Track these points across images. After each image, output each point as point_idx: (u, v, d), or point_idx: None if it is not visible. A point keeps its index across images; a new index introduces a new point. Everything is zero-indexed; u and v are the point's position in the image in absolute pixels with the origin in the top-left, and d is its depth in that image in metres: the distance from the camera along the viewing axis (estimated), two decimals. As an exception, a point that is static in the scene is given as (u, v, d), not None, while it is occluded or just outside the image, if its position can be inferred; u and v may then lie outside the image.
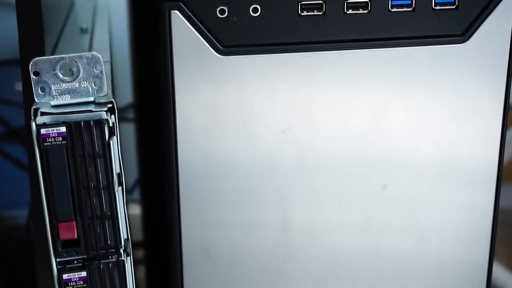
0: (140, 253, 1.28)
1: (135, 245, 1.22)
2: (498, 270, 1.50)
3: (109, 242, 0.63)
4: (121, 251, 0.64)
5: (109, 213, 0.62)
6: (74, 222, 0.61)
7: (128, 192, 1.41)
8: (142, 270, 1.35)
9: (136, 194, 1.42)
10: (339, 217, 0.72)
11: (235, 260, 0.72)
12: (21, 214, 1.46)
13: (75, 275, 0.63)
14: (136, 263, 1.19)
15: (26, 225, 1.40)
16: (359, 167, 0.71)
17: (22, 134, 1.38)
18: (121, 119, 1.24)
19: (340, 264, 0.73)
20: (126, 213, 0.66)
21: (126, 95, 1.36)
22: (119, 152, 0.62)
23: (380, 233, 0.73)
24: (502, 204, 0.76)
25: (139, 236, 1.27)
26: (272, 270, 0.72)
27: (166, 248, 0.75)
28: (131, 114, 1.38)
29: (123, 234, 0.64)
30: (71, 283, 0.63)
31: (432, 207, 0.73)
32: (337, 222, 0.72)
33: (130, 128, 1.35)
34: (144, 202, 1.20)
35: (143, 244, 1.26)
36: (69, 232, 0.61)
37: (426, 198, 0.73)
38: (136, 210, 1.33)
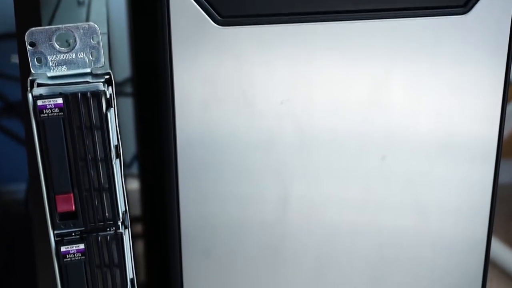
0: (139, 227, 1.28)
1: (134, 220, 1.22)
2: (497, 246, 1.51)
3: (107, 214, 0.63)
4: (119, 223, 0.63)
5: (106, 186, 0.61)
6: (72, 194, 0.61)
7: (127, 166, 1.41)
8: (140, 245, 1.35)
9: (135, 169, 1.42)
10: (338, 191, 0.72)
11: (233, 234, 0.72)
12: (20, 189, 1.46)
13: (73, 247, 0.63)
14: (134, 237, 1.19)
15: (25, 200, 1.40)
16: (359, 140, 0.70)
17: (19, 109, 1.38)
18: (119, 94, 1.23)
19: (339, 239, 0.73)
20: (124, 185, 0.65)
21: (124, 70, 1.35)
22: (117, 124, 0.61)
23: (379, 208, 0.73)
24: (501, 179, 0.76)
25: (137, 210, 1.26)
26: (270, 244, 0.72)
27: (164, 223, 0.75)
28: (129, 89, 1.38)
29: (121, 207, 0.63)
30: (69, 256, 0.63)
31: (431, 182, 0.73)
32: (336, 196, 0.72)
33: (128, 103, 1.34)
34: (142, 177, 1.20)
35: (142, 219, 1.26)
36: (67, 204, 0.61)
37: (425, 173, 0.73)
38: (134, 184, 1.33)
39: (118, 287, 0.66)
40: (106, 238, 0.63)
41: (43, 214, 0.63)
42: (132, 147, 1.36)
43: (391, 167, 0.72)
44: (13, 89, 1.36)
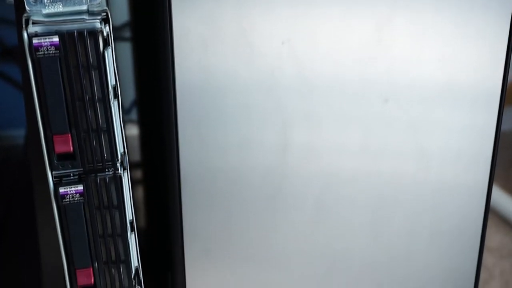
0: (138, 173, 1.28)
1: (133, 166, 1.22)
2: (496, 193, 1.51)
3: (105, 155, 0.62)
4: (118, 164, 0.63)
5: (104, 126, 0.61)
6: (69, 135, 0.60)
7: (126, 112, 1.40)
8: (140, 191, 1.35)
9: (134, 115, 1.41)
10: (339, 136, 0.71)
11: (233, 178, 0.71)
12: (19, 134, 1.45)
13: (71, 188, 0.63)
14: (134, 183, 1.19)
15: (24, 146, 1.40)
16: (361, 82, 0.69)
17: (16, 53, 1.36)
18: (117, 38, 1.21)
19: (339, 184, 0.73)
20: (123, 127, 0.64)
21: (122, 13, 1.33)
22: (115, 64, 0.60)
23: (380, 152, 0.72)
24: (503, 126, 0.75)
25: (136, 156, 1.26)
26: (270, 189, 0.72)
27: (164, 168, 0.75)
28: (127, 33, 1.36)
29: (120, 148, 0.63)
30: (68, 197, 0.63)
31: (433, 127, 0.72)
32: (337, 141, 0.71)
33: (126, 48, 1.32)
34: (142, 123, 1.20)
35: (141, 165, 1.25)
36: (65, 144, 0.60)
37: (427, 118, 0.72)
38: (133, 130, 1.33)
39: (118, 229, 0.66)
40: (105, 179, 0.63)
41: (42, 159, 0.63)
42: (131, 93, 1.35)
43: (393, 111, 0.71)
44: (9, 33, 1.34)
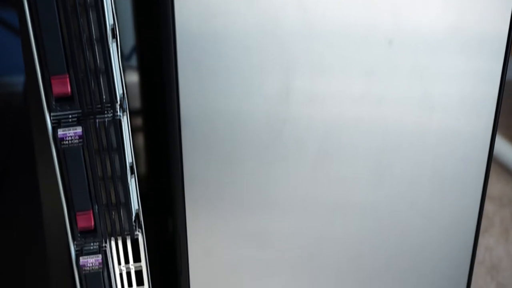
0: (139, 121, 1.27)
1: (133, 113, 1.21)
2: (498, 141, 1.51)
3: (104, 97, 0.61)
4: (117, 107, 0.62)
5: (103, 67, 0.59)
6: (67, 76, 0.59)
7: (126, 59, 1.38)
8: (140, 138, 1.34)
9: (134, 61, 1.39)
10: (342, 80, 0.70)
11: (233, 123, 0.70)
12: (18, 81, 1.44)
13: (70, 131, 0.62)
14: (134, 131, 1.18)
15: (23, 92, 1.39)
16: (366, 23, 0.68)
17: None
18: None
19: (342, 129, 0.72)
20: (121, 69, 0.63)
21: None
22: (113, 4, 0.59)
23: (383, 98, 0.71)
24: (509, 74, 0.74)
25: (137, 103, 1.25)
26: (271, 134, 0.71)
27: (164, 115, 0.74)
28: (126, -22, 1.33)
29: (119, 90, 0.62)
30: (66, 140, 0.62)
31: (437, 72, 0.71)
32: (340, 85, 0.70)
33: (126, -7, 1.30)
34: (142, 69, 1.18)
35: (142, 112, 1.25)
36: (62, 86, 0.59)
37: (431, 62, 0.71)
38: (133, 77, 1.31)
39: (117, 172, 0.65)
40: (104, 122, 0.62)
41: (41, 104, 0.62)
42: (131, 39, 1.33)
43: (397, 55, 0.70)
44: (7, -23, 1.32)
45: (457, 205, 0.77)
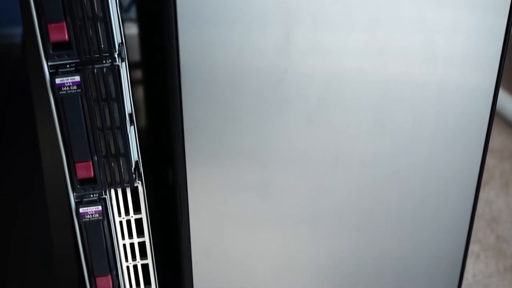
0: (138, 74, 1.26)
1: (133, 66, 1.20)
2: (500, 94, 1.50)
3: (102, 45, 0.60)
4: (116, 55, 0.61)
5: (101, 14, 0.58)
6: (64, 23, 0.58)
7: (125, 11, 1.37)
8: (140, 91, 1.34)
9: (133, 13, 1.38)
10: (344, 32, 0.69)
11: (233, 75, 0.69)
12: (17, 33, 1.43)
13: (68, 79, 0.61)
14: (134, 84, 1.18)
15: (22, 44, 1.38)
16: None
17: None
18: None
19: (343, 80, 0.71)
20: (120, 17, 0.62)
21: None
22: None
23: (385, 51, 0.70)
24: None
25: (136, 56, 1.24)
26: (272, 85, 0.70)
27: (164, 67, 0.73)
28: None
29: (117, 38, 0.61)
30: (65, 88, 0.61)
31: (441, 26, 0.70)
32: (342, 37, 0.69)
33: None
34: (141, 22, 1.17)
35: (141, 65, 1.24)
36: (60, 33, 0.58)
37: (436, 15, 0.69)
38: (133, 30, 1.30)
39: (117, 121, 0.65)
40: (103, 70, 0.61)
41: (38, 54, 0.61)
42: (129, -10, 1.31)
43: (401, 5, 0.68)
44: None
45: (459, 158, 0.77)
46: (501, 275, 1.24)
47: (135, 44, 1.24)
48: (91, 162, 0.66)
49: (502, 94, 1.51)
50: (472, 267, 1.26)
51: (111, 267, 0.72)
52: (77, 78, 0.61)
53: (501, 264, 1.27)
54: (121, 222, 0.71)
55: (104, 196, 0.69)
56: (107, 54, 0.61)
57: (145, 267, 0.74)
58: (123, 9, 1.18)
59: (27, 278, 1.06)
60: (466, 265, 0.88)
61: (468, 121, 0.75)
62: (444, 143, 0.76)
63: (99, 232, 0.69)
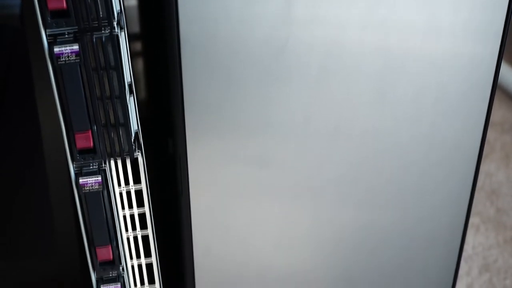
0: (138, 45, 1.25)
1: (132, 38, 1.19)
2: (502, 67, 1.49)
3: (101, 13, 0.59)
4: (115, 23, 0.60)
5: (99, -19, 0.58)
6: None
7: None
8: (140, 63, 1.33)
9: (132, -16, 1.36)
10: (345, 2, 0.68)
11: (234, 45, 0.68)
12: (15, 2, 1.41)
13: (66, 48, 0.60)
14: (134, 56, 1.17)
15: (20, 15, 1.37)
16: None
17: None
18: None
19: (344, 51, 0.70)
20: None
21: None
22: None
23: (387, 23, 0.69)
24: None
25: (136, 28, 1.23)
26: (272, 55, 0.70)
27: (163, 38, 0.72)
28: None
29: (116, 6, 0.60)
30: (63, 57, 0.61)
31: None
32: (345, 4, 0.68)
33: None
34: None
35: (141, 37, 1.23)
36: (58, 1, 0.57)
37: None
38: (132, 1, 1.29)
39: (116, 90, 0.64)
40: (101, 39, 0.60)
41: (36, 23, 0.61)
42: (128, -40, 1.30)
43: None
44: None
45: (460, 129, 0.76)
46: (500, 247, 1.25)
47: (134, 15, 1.23)
48: (90, 132, 0.66)
49: (503, 66, 1.50)
50: (472, 239, 1.26)
51: (111, 238, 0.72)
52: (75, 47, 0.60)
53: (500, 236, 1.27)
54: (121, 193, 0.71)
55: (103, 166, 0.69)
56: (106, 23, 0.60)
57: (145, 238, 0.74)
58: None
59: (28, 249, 1.06)
60: (466, 237, 0.88)
61: (470, 93, 0.74)
62: (445, 114, 0.75)
63: (99, 203, 0.69)
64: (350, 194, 0.78)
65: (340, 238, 0.81)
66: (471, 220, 1.11)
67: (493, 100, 0.75)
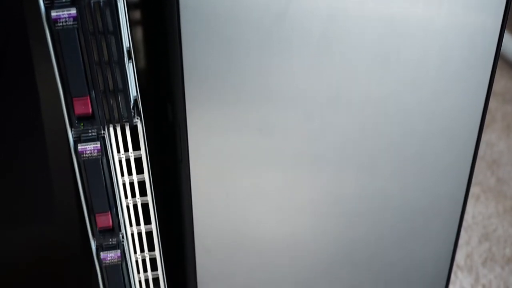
0: (137, 14, 1.24)
1: (132, 7, 1.18)
2: (505, 37, 1.48)
3: (98, -24, 0.59)
4: (112, -13, 0.59)
5: None
6: None
7: None
8: (140, 32, 1.32)
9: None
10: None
11: (234, 10, 0.68)
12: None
13: (64, 12, 0.60)
14: (133, 24, 1.16)
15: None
16: None
17: None
18: None
19: (346, 17, 0.69)
20: None
21: None
22: None
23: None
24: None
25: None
26: (274, 16, 0.68)
27: (162, 6, 0.71)
28: None
29: (113, -31, 0.59)
30: (61, 21, 0.60)
31: None
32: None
33: None
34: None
35: (140, 5, 1.22)
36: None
37: None
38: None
39: (114, 55, 0.63)
40: (99, 2, 0.60)
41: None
42: None
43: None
44: None
45: (462, 97, 0.76)
46: (500, 216, 1.25)
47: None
48: (89, 98, 0.65)
49: (506, 35, 1.49)
50: (472, 209, 1.26)
51: (111, 205, 0.71)
52: (73, 11, 0.59)
53: (500, 205, 1.27)
54: (120, 161, 0.71)
55: (102, 133, 0.68)
56: (103, -14, 0.59)
57: (145, 206, 0.74)
58: None
59: (27, 216, 1.06)
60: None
61: (472, 61, 0.74)
62: (448, 82, 0.75)
63: (98, 170, 0.69)
64: (351, 162, 0.78)
65: (340, 206, 0.81)
66: (471, 189, 1.11)
67: (496, 69, 0.75)
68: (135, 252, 0.76)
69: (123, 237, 0.74)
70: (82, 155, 0.68)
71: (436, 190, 0.82)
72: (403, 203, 0.82)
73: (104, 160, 0.69)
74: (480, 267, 1.18)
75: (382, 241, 0.84)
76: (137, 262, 0.76)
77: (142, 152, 0.71)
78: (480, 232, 1.22)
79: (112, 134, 0.69)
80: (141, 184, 0.73)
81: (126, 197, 0.73)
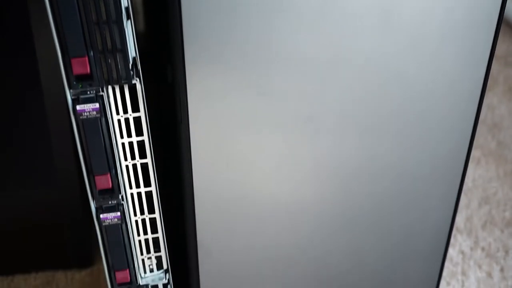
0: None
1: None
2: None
3: None
4: None
5: None
6: None
7: None
8: (139, 5, 1.31)
9: None
10: None
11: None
12: None
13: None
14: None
15: None
16: None
17: None
18: None
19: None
20: None
21: None
22: None
23: None
24: None
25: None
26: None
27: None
28: None
29: None
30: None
31: None
32: None
33: None
34: None
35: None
36: None
37: None
38: None
39: (112, 14, 0.63)
40: (96, -40, 0.59)
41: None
42: None
43: None
44: None
45: (464, 60, 0.75)
46: (500, 179, 1.25)
47: None
48: (87, 58, 0.64)
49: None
50: (472, 172, 1.26)
51: (110, 166, 0.71)
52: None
53: (501, 169, 1.27)
54: (119, 121, 0.70)
55: (101, 93, 0.67)
56: None
57: (145, 170, 0.74)
58: None
59: (27, 178, 1.06)
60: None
61: (475, 22, 0.73)
62: (450, 42, 0.74)
63: (97, 130, 0.68)
64: (352, 124, 0.78)
65: (340, 168, 0.80)
66: (472, 153, 1.11)
67: (499, 30, 0.74)
68: (135, 214, 0.76)
69: (122, 198, 0.74)
70: (80, 115, 0.67)
71: (437, 153, 0.81)
72: (403, 166, 0.82)
73: (103, 121, 0.68)
74: (480, 230, 1.18)
75: (382, 203, 0.84)
76: (137, 224, 0.76)
77: (142, 113, 0.70)
78: (480, 195, 1.22)
79: (111, 94, 0.68)
80: (141, 147, 0.73)
81: (125, 159, 0.72)
